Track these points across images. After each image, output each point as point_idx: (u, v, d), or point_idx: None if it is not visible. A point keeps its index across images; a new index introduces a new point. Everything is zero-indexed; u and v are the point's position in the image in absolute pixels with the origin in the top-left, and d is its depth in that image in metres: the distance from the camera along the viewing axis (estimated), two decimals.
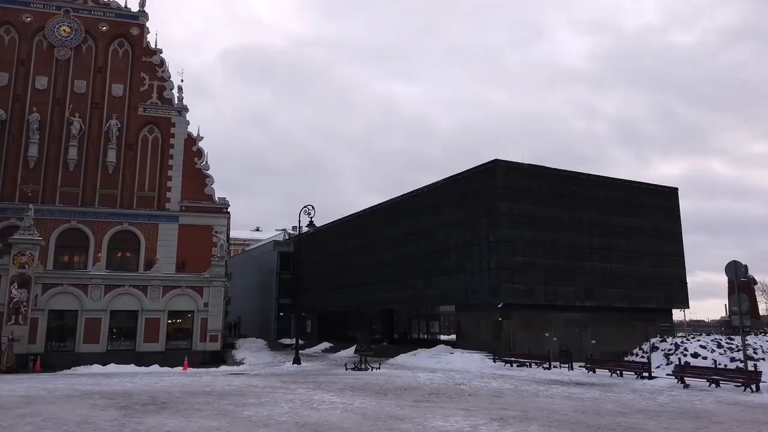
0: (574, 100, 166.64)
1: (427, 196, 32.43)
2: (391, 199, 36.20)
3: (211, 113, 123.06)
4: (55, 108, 33.56)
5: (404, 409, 12.37)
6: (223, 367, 25.11)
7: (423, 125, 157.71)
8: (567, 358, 23.11)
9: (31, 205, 26.90)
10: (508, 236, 27.26)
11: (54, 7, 34.31)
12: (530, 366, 23.62)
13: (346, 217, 42.01)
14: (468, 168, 29.83)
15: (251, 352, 32.79)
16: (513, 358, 24.52)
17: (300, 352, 27.68)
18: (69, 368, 23.04)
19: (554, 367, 23.04)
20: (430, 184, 32.64)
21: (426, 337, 33.61)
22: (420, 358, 27.03)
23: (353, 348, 31.17)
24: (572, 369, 22.62)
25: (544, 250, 27.86)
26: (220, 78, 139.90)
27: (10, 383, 17.68)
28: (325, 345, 37.47)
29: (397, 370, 23.19)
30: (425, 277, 31.11)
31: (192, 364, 24.44)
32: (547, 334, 26.41)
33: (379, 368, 22.78)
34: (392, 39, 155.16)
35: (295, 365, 25.25)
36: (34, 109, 33.02)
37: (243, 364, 27.56)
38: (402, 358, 27.82)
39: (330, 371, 22.86)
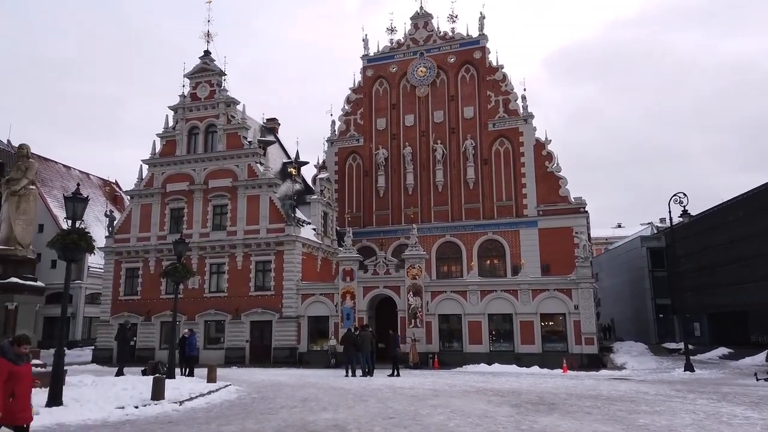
0: None
1: None
2: None
3: (541, 121, 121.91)
4: (421, 139, 38.74)
5: None
6: (603, 371, 24.10)
7: None
8: None
9: (414, 225, 31.45)
10: None
11: (411, 53, 39.95)
12: None
13: (729, 200, 35.71)
14: None
15: (632, 357, 30.63)
16: None
17: (690, 357, 24.44)
18: (460, 366, 25.67)
19: None
20: None
21: None
22: None
23: (762, 355, 25.98)
24: None
25: None
26: (543, 84, 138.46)
27: (418, 377, 20.73)
28: (722, 351, 32.21)
29: None
30: None
31: (570, 367, 24.22)
32: None
33: None
34: None
35: (687, 372, 22.36)
36: (406, 143, 38.81)
37: (625, 368, 25.92)
38: None
39: (734, 381, 19.42)
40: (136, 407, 12.26)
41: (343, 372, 22.00)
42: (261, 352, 29.87)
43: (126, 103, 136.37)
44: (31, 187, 16.11)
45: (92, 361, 31.20)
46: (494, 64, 38.24)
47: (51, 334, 33.53)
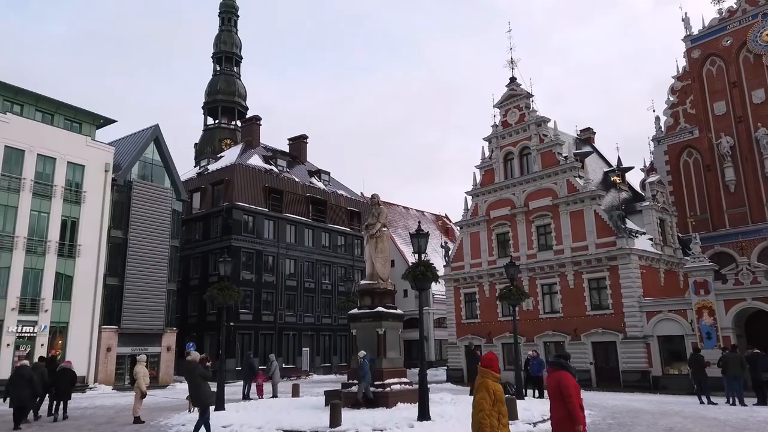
0: None
1: None
2: None
3: None
4: None
5: None
6: None
7: None
8: None
9: None
10: None
11: (749, 18, 33.32)
12: None
13: None
14: None
15: None
16: None
17: None
18: None
19: None
20: None
21: None
22: None
23: None
24: None
25: None
26: None
27: None
28: None
29: None
30: None
31: None
32: None
33: None
34: None
35: None
36: (759, 124, 32.21)
37: None
38: None
39: None
40: None
41: (714, 400, 18.87)
42: (608, 375, 27.95)
43: (443, 145, 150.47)
44: (384, 229, 18.69)
45: (446, 380, 34.07)
46: None
47: (409, 355, 38.07)
